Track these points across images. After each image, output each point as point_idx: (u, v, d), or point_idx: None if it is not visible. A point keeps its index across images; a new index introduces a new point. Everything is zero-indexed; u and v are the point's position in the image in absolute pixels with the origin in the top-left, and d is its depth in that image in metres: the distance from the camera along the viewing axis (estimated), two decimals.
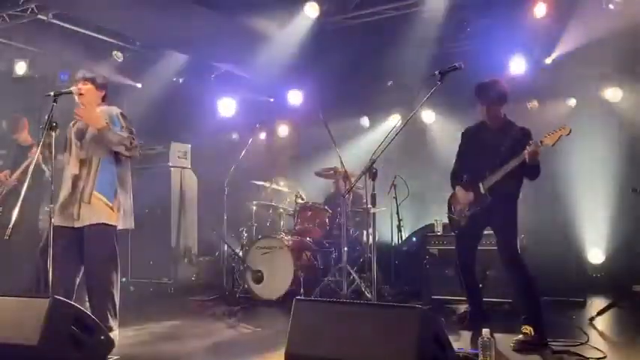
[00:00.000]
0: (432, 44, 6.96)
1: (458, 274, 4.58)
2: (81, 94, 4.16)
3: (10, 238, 3.55)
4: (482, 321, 4.21)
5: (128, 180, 4.29)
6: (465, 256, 4.47)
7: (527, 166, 4.00)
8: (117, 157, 4.18)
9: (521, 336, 3.85)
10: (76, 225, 4.01)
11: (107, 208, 4.04)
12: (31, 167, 4.10)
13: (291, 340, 2.88)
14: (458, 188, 4.47)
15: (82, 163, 4.16)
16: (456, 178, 4.55)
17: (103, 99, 4.36)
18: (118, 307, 4.16)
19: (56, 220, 3.98)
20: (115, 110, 4.28)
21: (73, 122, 4.28)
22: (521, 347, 3.77)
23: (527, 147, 3.92)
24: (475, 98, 4.34)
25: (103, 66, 7.44)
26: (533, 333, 3.83)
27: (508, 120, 4.35)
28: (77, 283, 4.11)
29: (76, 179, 4.12)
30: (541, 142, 3.92)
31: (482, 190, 4.22)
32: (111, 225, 4.05)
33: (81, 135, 4.21)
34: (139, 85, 8.32)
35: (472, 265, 4.47)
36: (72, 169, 4.18)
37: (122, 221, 4.14)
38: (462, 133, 4.57)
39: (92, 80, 4.28)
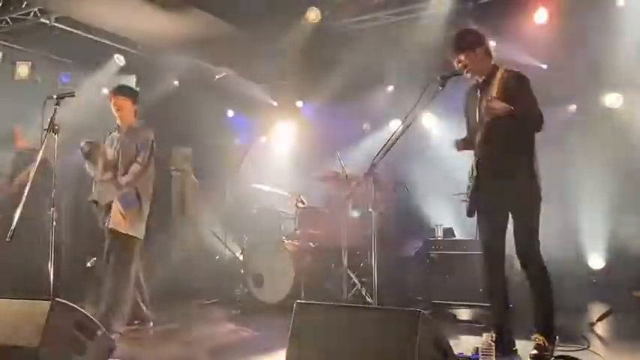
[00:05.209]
0: (433, 49, 6.97)
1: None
2: (119, 110, 4.47)
3: (11, 240, 3.57)
4: (508, 350, 3.68)
5: (147, 189, 4.52)
6: (488, 244, 3.71)
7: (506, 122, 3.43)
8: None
9: (535, 351, 3.52)
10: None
11: (119, 216, 4.34)
12: (32, 172, 4.08)
13: (291, 343, 2.88)
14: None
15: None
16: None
17: (135, 113, 4.61)
18: (122, 310, 4.21)
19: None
20: (150, 136, 4.52)
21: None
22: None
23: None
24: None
25: (105, 69, 7.47)
26: (546, 343, 3.54)
27: (496, 66, 3.74)
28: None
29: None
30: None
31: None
32: (120, 232, 4.36)
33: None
34: (141, 89, 8.34)
35: (496, 255, 3.71)
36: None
37: (132, 229, 4.43)
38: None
39: (130, 94, 4.55)
